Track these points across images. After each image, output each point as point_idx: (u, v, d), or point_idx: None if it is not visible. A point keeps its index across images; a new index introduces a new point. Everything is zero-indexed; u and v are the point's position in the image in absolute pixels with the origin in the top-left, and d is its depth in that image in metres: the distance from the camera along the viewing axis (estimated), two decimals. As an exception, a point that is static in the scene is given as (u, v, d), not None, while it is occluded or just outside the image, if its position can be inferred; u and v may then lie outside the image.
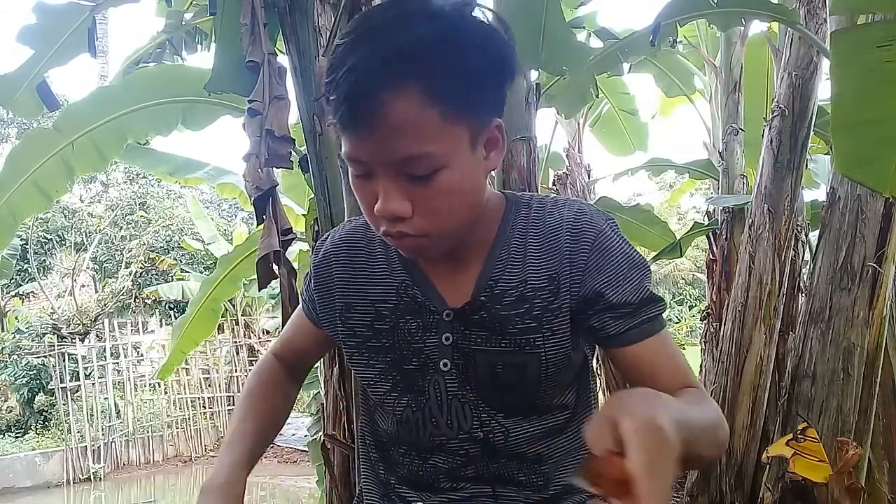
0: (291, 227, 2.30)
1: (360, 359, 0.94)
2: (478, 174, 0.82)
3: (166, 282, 10.87)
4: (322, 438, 2.35)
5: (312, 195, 2.43)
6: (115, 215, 12.38)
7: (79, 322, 10.46)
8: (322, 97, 0.85)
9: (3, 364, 9.69)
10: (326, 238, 1.00)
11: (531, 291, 0.87)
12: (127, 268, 11.48)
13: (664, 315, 0.89)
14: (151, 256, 11.58)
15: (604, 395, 5.81)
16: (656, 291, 0.91)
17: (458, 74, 0.73)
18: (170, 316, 10.91)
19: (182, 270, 11.35)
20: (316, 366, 3.17)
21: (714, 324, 4.50)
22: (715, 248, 4.49)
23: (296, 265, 2.56)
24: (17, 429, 9.56)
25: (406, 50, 0.71)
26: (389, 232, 0.80)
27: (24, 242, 10.57)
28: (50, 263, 11.89)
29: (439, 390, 0.89)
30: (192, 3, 3.30)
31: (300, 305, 1.05)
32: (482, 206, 0.86)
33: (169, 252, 11.73)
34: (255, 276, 2.28)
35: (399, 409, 0.92)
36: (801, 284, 3.42)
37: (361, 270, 0.94)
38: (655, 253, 4.52)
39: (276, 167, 2.24)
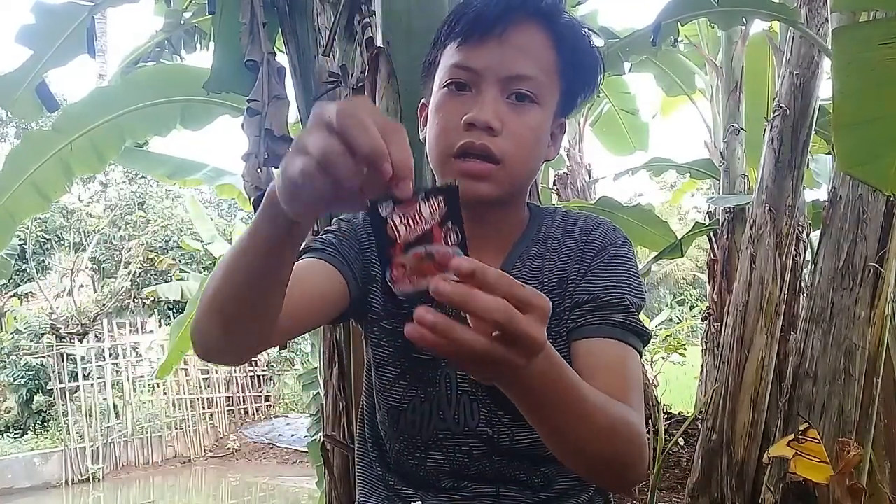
0: (291, 227, 2.29)
1: (374, 336, 0.95)
2: (545, 145, 0.90)
3: (165, 282, 10.85)
4: (322, 439, 2.34)
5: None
6: (114, 215, 12.36)
7: (77, 322, 10.44)
8: (446, 18, 0.90)
9: (1, 364, 9.67)
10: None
11: (545, 292, 0.88)
12: (126, 268, 11.46)
13: (639, 345, 0.87)
14: (150, 256, 11.56)
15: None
16: (644, 319, 0.91)
17: (574, 48, 0.88)
18: (169, 316, 10.89)
19: (181, 270, 11.33)
20: (315, 366, 3.16)
21: (715, 324, 4.50)
22: (716, 248, 4.49)
23: (295, 265, 2.54)
24: (15, 429, 9.54)
25: (548, 2, 0.87)
26: (471, 145, 0.83)
27: (23, 242, 10.55)
28: (48, 263, 11.86)
29: (450, 384, 0.90)
30: (191, 2, 3.29)
31: (313, 256, 0.91)
32: (528, 188, 0.93)
33: (168, 252, 11.72)
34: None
35: (407, 399, 0.92)
36: (803, 284, 3.41)
37: None
38: (656, 253, 4.51)
39: (276, 167, 2.23)
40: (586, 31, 0.91)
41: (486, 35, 0.84)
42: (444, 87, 0.87)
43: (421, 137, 0.94)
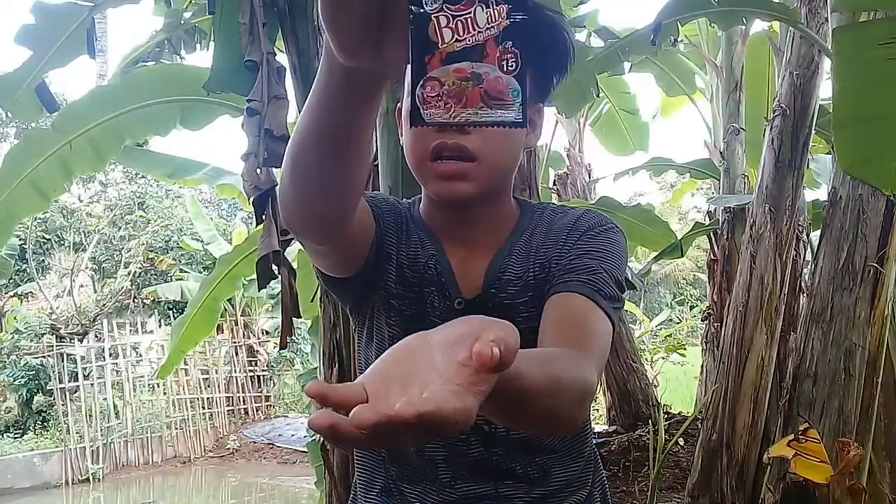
0: (291, 227, 2.29)
1: (380, 314, 0.95)
2: (522, 135, 0.90)
3: (165, 282, 10.85)
4: (321, 439, 2.33)
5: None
6: (114, 215, 12.35)
7: (77, 322, 10.44)
8: None
9: (1, 364, 9.66)
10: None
11: (532, 279, 0.91)
12: (126, 268, 11.45)
13: (608, 308, 0.85)
14: (150, 256, 11.55)
15: (604, 394, 5.81)
16: (616, 289, 0.89)
17: (537, 32, 0.83)
18: (169, 316, 10.88)
19: (181, 270, 11.33)
20: (315, 366, 3.16)
21: (715, 324, 4.51)
22: (716, 248, 4.50)
23: (295, 265, 2.54)
24: (15, 429, 9.54)
25: None
26: (444, 145, 0.83)
27: (23, 242, 10.54)
28: (48, 263, 11.85)
29: None
30: (191, 2, 3.29)
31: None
32: (511, 180, 0.93)
33: (168, 252, 11.70)
34: (255, 276, 2.27)
35: None
36: (803, 284, 3.41)
37: (402, 235, 0.96)
38: (656, 253, 4.51)
39: (275, 167, 2.23)
40: (551, 13, 0.90)
41: None
42: None
43: (401, 142, 0.95)
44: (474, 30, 0.50)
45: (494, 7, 0.50)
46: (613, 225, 0.94)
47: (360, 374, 1.02)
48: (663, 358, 6.88)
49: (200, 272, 10.64)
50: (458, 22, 0.50)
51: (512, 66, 0.51)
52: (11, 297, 11.26)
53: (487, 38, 0.50)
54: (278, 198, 0.78)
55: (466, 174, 0.86)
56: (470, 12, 0.50)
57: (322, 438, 2.32)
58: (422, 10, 0.49)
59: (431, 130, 0.83)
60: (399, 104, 0.96)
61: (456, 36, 0.50)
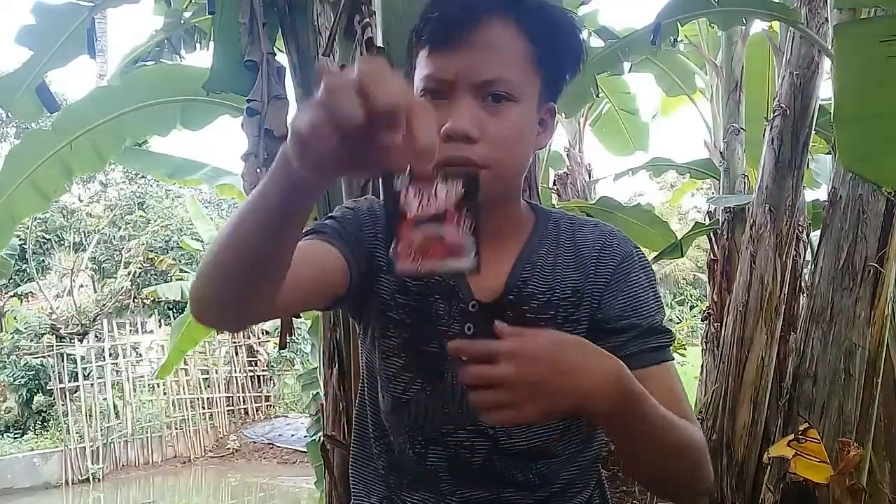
0: (291, 227, 2.28)
1: (380, 327, 0.93)
2: (533, 137, 0.88)
3: (165, 282, 10.85)
4: (321, 439, 2.34)
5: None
6: (114, 215, 12.36)
7: (77, 322, 10.44)
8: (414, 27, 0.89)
9: (1, 364, 9.67)
10: (362, 201, 0.99)
11: (557, 300, 0.90)
12: (126, 268, 11.46)
13: (669, 350, 0.90)
14: (150, 256, 11.56)
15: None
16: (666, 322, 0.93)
17: (548, 31, 0.85)
18: (169, 316, 10.89)
19: (181, 270, 11.33)
20: (315, 366, 3.17)
21: (715, 324, 4.50)
22: (716, 248, 4.49)
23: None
24: (15, 429, 9.54)
25: None
26: (452, 157, 0.81)
27: (23, 242, 10.54)
28: (48, 263, 11.86)
29: (456, 379, 0.88)
30: (191, 2, 3.29)
31: (314, 238, 0.90)
32: (521, 182, 0.93)
33: (168, 252, 11.71)
34: (255, 277, 2.26)
35: (411, 391, 0.91)
36: (803, 284, 3.41)
37: None
38: (657, 253, 4.51)
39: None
40: (560, 10, 0.89)
41: (452, 39, 0.81)
42: (420, 97, 0.85)
43: None
44: (436, 201, 0.62)
45: (453, 183, 0.63)
46: (637, 249, 0.95)
47: (361, 374, 1.02)
48: (663, 358, 6.86)
49: (200, 272, 10.62)
50: (424, 194, 0.62)
51: (468, 226, 0.63)
52: (11, 297, 11.26)
53: (447, 207, 0.62)
54: (193, 291, 0.75)
55: None
56: (432, 186, 0.62)
57: (323, 438, 2.32)
58: (394, 190, 0.62)
59: (437, 139, 0.82)
60: None
61: (422, 205, 0.62)
